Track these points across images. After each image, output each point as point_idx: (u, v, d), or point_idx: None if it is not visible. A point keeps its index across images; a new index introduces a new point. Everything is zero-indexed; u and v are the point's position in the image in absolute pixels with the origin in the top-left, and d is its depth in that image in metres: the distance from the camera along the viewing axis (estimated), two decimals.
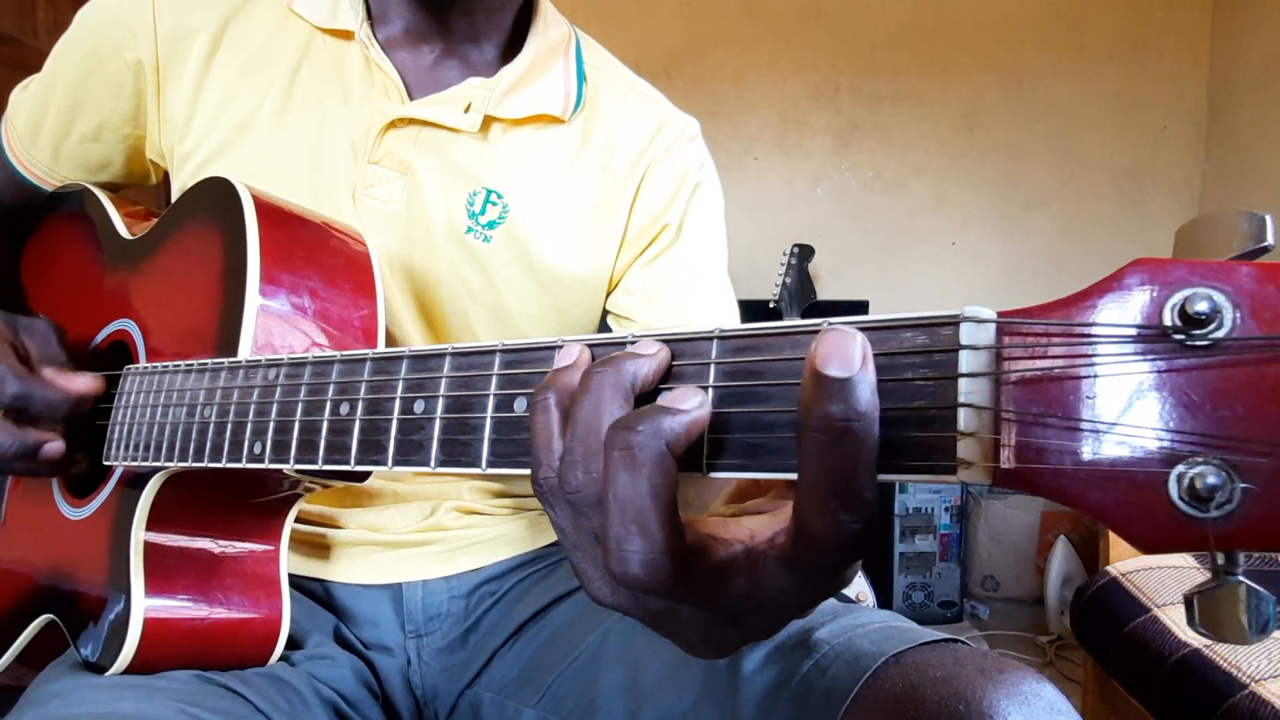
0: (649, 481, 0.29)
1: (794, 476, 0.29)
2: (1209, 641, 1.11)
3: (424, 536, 0.75)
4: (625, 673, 0.61)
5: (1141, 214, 2.57)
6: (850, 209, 2.73)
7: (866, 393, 0.26)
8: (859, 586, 1.84)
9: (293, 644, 0.66)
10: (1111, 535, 1.46)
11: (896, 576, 2.32)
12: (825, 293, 2.62)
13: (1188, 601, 0.24)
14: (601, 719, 0.60)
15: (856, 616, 0.55)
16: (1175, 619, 1.19)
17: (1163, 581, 1.31)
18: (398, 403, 0.39)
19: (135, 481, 0.58)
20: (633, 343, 0.33)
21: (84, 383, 0.62)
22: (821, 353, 0.26)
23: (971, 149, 2.66)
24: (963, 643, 0.50)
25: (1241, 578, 0.23)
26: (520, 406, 0.35)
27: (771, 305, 2.38)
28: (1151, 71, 2.55)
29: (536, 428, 0.32)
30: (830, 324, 0.29)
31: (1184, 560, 1.40)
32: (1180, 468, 0.23)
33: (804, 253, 2.56)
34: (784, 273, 2.53)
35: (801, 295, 2.46)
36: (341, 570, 0.74)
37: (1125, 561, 1.41)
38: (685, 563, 0.30)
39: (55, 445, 0.61)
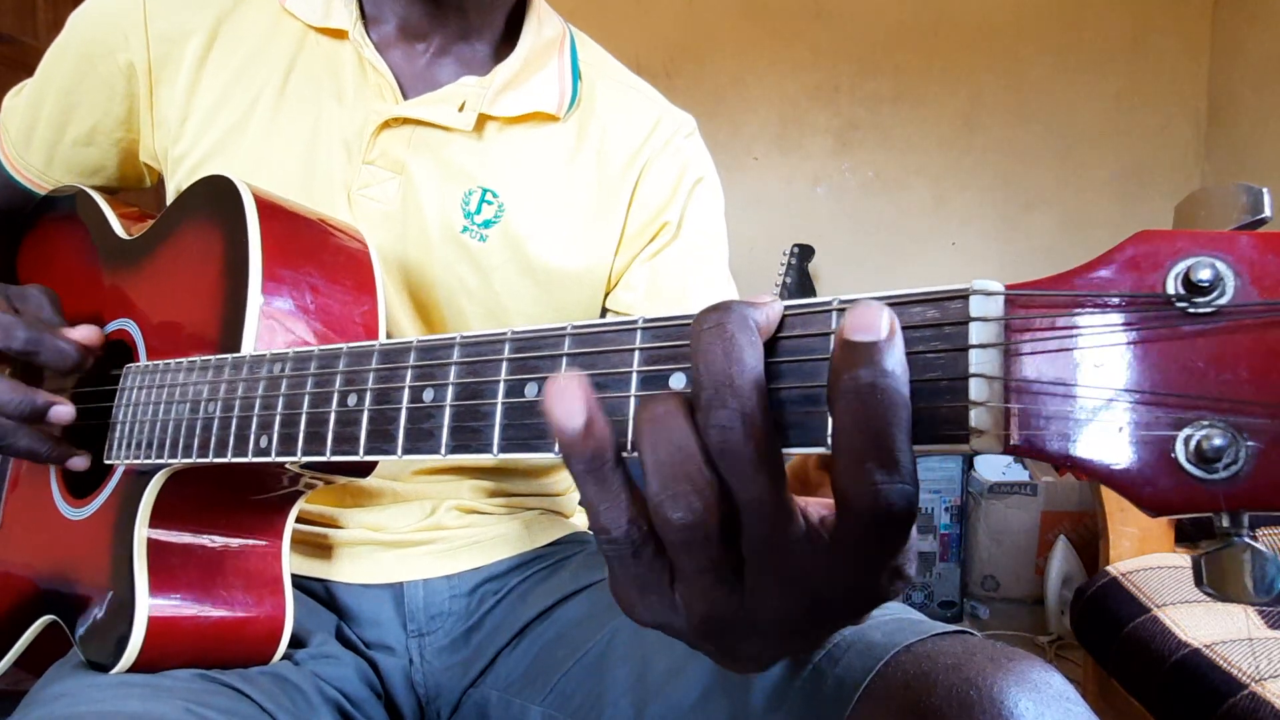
0: (739, 351, 0.29)
1: (816, 451, 0.29)
2: (1210, 641, 1.11)
3: (424, 535, 0.75)
4: (633, 668, 0.61)
5: (1141, 214, 2.57)
6: (850, 209, 2.73)
7: (896, 354, 0.27)
8: None
9: (295, 643, 0.66)
10: (1111, 535, 1.46)
11: None
12: (825, 292, 2.58)
13: (1195, 563, 0.24)
14: (609, 715, 0.60)
15: None
16: (1175, 619, 1.19)
17: (1163, 581, 1.30)
18: (406, 391, 0.40)
19: (137, 480, 0.58)
20: (643, 329, 0.33)
21: (87, 333, 0.62)
22: (850, 323, 0.27)
23: (971, 149, 2.66)
24: (972, 634, 0.50)
25: (1246, 539, 0.23)
26: (531, 392, 0.35)
27: None
28: (1151, 71, 2.55)
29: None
30: (840, 300, 0.30)
31: (1183, 560, 1.40)
32: (1187, 430, 0.23)
33: (804, 253, 2.56)
34: (784, 273, 2.54)
35: (801, 295, 2.45)
36: (343, 570, 0.74)
37: (1125, 561, 1.41)
38: (768, 453, 0.29)
39: (65, 409, 0.60)
